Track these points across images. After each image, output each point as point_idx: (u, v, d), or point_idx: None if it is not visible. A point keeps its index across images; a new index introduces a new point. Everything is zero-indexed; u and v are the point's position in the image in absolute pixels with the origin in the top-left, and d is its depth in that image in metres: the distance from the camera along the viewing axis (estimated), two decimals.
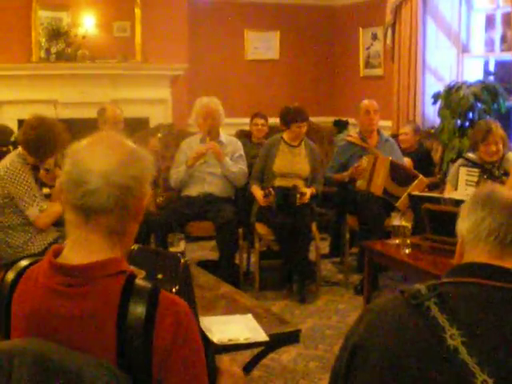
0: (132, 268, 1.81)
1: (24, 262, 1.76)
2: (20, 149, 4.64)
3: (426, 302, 1.60)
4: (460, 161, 5.70)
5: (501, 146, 5.38)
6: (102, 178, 1.62)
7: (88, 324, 1.60)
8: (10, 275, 1.74)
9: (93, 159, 1.64)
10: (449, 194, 5.47)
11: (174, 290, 1.91)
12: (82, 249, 1.66)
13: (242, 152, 6.18)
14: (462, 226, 1.79)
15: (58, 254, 1.69)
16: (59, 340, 1.60)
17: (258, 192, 5.89)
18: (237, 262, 6.00)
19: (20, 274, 1.73)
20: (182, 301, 1.68)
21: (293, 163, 6.02)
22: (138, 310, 1.58)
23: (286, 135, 6.12)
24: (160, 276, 1.94)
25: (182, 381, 1.60)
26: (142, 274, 1.87)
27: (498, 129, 5.41)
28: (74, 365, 1.53)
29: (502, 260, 1.68)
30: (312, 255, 5.97)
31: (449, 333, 1.54)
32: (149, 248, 2.07)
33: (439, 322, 1.56)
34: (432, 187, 6.22)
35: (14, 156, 4.63)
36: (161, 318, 1.59)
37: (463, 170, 5.53)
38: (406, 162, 6.50)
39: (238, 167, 6.02)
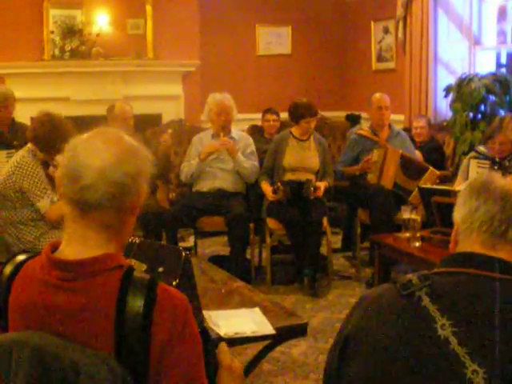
0: (133, 261, 1.83)
1: (22, 257, 1.78)
2: (30, 145, 4.69)
3: (417, 291, 1.61)
4: (471, 154, 5.69)
5: (507, 146, 5.37)
6: (97, 173, 1.63)
7: (86, 318, 1.61)
8: (8, 268, 1.76)
9: (90, 154, 1.66)
10: (458, 186, 5.47)
11: (174, 283, 1.93)
12: (78, 244, 1.68)
13: (253, 148, 6.20)
14: (457, 214, 1.78)
15: (55, 248, 1.71)
16: (57, 333, 1.61)
17: (267, 188, 5.92)
18: (248, 256, 6.02)
19: (18, 267, 1.74)
20: (180, 294, 1.69)
21: (303, 157, 6.04)
22: (137, 303, 1.59)
23: (294, 130, 6.13)
24: (161, 269, 1.96)
25: (179, 373, 1.61)
26: (143, 267, 1.90)
27: (508, 129, 5.41)
28: (72, 358, 1.55)
29: (494, 250, 1.68)
30: (324, 249, 5.99)
31: (439, 323, 1.55)
32: (150, 242, 2.08)
33: (430, 312, 1.57)
34: (444, 180, 6.20)
35: (24, 152, 4.68)
36: (159, 311, 1.60)
37: (474, 163, 5.53)
38: (417, 154, 6.48)
39: (250, 163, 6.04)
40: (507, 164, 5.29)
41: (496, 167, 5.27)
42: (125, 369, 1.58)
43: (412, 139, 6.73)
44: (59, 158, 4.80)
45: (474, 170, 5.45)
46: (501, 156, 5.40)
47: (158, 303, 1.61)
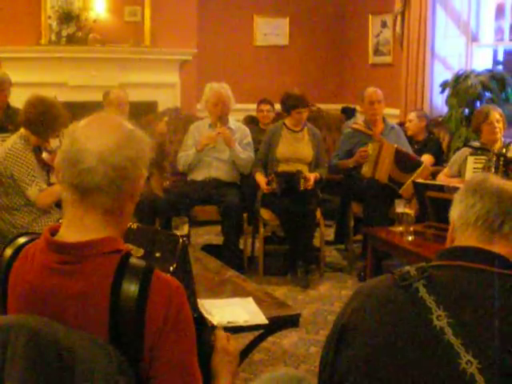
0: (131, 246, 1.84)
1: (22, 239, 1.79)
2: (22, 130, 4.68)
3: (414, 283, 1.64)
4: (465, 149, 5.71)
5: (501, 124, 5.55)
6: (97, 157, 1.64)
7: (82, 301, 1.62)
8: (8, 251, 1.76)
9: (89, 139, 1.66)
10: (444, 175, 5.57)
11: (171, 268, 1.93)
12: (77, 227, 1.68)
13: (250, 139, 6.21)
14: (454, 212, 1.82)
15: (54, 232, 1.71)
16: (54, 316, 1.62)
17: (261, 179, 5.92)
18: (241, 246, 6.04)
19: (18, 250, 1.75)
20: (175, 281, 1.70)
21: (296, 148, 6.04)
22: (131, 288, 1.60)
23: (287, 121, 6.14)
24: (158, 255, 1.97)
25: (171, 360, 1.62)
26: (140, 252, 1.90)
27: (496, 109, 5.65)
28: (68, 342, 1.55)
29: (489, 245, 1.71)
30: (316, 241, 6.01)
31: (436, 314, 1.57)
32: (148, 227, 2.09)
33: (427, 303, 1.59)
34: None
35: (16, 137, 4.67)
36: (153, 297, 1.61)
37: (471, 159, 5.55)
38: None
39: (246, 154, 6.05)
40: (505, 151, 5.34)
41: (494, 158, 5.27)
42: (119, 353, 1.59)
43: (406, 134, 6.73)
44: (53, 144, 4.81)
45: (470, 166, 5.48)
46: (496, 137, 5.50)
47: (152, 290, 1.62)
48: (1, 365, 1.55)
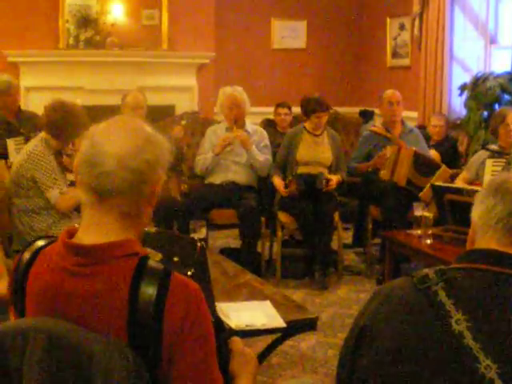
0: (149, 250, 1.83)
1: (40, 243, 1.79)
2: (43, 133, 4.71)
3: (433, 286, 1.62)
4: (483, 152, 5.68)
5: None
6: (116, 160, 1.64)
7: (100, 304, 1.62)
8: (26, 255, 1.76)
9: (109, 142, 1.67)
10: (462, 180, 5.54)
11: (189, 273, 1.93)
12: (95, 230, 1.68)
13: (267, 142, 6.20)
14: (475, 212, 1.79)
15: (72, 235, 1.72)
16: (71, 319, 1.62)
17: (279, 182, 5.92)
18: (259, 250, 6.03)
19: (36, 253, 1.75)
20: (193, 284, 1.69)
21: (316, 152, 6.03)
22: (149, 291, 1.60)
23: (307, 125, 6.12)
24: (176, 259, 1.96)
25: (191, 363, 1.61)
26: (158, 256, 1.89)
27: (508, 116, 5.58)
28: (86, 344, 1.56)
29: (510, 247, 1.68)
30: (334, 244, 5.99)
31: (454, 318, 1.56)
32: (166, 231, 2.09)
33: (445, 306, 1.58)
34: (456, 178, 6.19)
35: (37, 141, 4.70)
36: (171, 300, 1.61)
37: (490, 162, 5.53)
38: (433, 155, 6.46)
39: (264, 157, 6.04)
40: None
41: None
42: (137, 356, 1.58)
43: (426, 137, 6.70)
44: (69, 148, 4.84)
45: (489, 168, 5.45)
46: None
47: (170, 292, 1.61)
48: (19, 368, 1.55)
